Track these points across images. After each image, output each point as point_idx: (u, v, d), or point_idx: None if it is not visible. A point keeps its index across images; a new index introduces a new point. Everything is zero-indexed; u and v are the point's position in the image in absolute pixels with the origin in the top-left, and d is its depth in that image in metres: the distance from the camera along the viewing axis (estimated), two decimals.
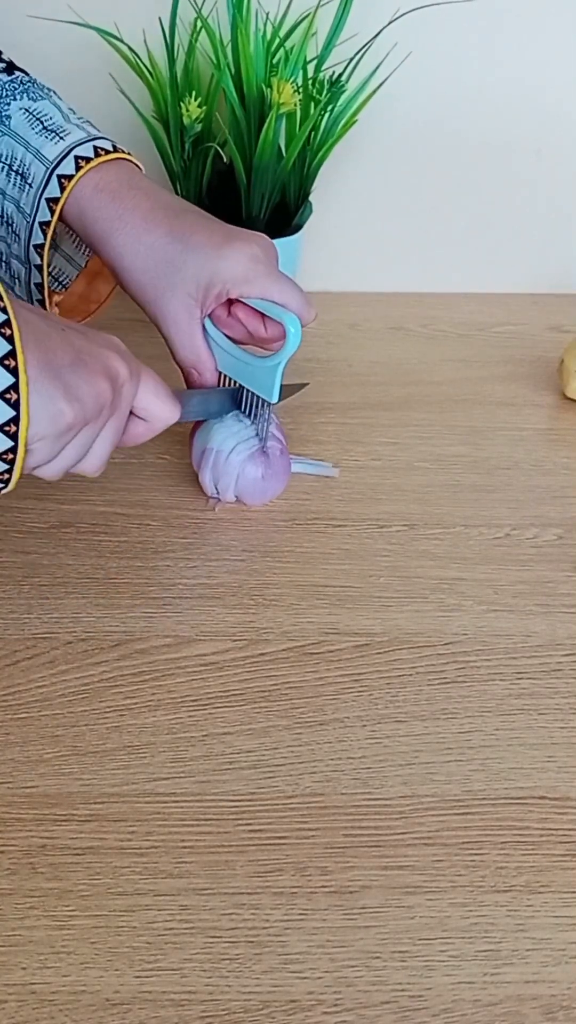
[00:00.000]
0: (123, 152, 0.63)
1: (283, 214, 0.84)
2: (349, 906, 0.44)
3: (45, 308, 0.65)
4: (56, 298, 0.68)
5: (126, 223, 0.61)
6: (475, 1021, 0.40)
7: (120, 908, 0.43)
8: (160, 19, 0.78)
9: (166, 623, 0.58)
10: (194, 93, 0.77)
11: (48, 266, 0.63)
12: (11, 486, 0.51)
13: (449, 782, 0.49)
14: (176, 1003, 0.40)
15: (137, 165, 0.64)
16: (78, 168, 0.60)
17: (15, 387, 0.47)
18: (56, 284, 0.68)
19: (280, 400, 0.64)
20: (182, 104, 0.76)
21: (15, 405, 0.48)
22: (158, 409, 0.57)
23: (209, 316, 0.63)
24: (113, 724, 0.51)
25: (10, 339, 0.47)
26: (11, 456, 0.49)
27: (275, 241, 0.82)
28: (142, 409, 0.56)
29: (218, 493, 0.66)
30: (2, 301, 0.48)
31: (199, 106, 0.77)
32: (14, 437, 0.48)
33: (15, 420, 0.48)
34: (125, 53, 0.79)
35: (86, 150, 0.61)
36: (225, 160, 0.83)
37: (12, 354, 0.47)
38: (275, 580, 0.61)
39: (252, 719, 0.52)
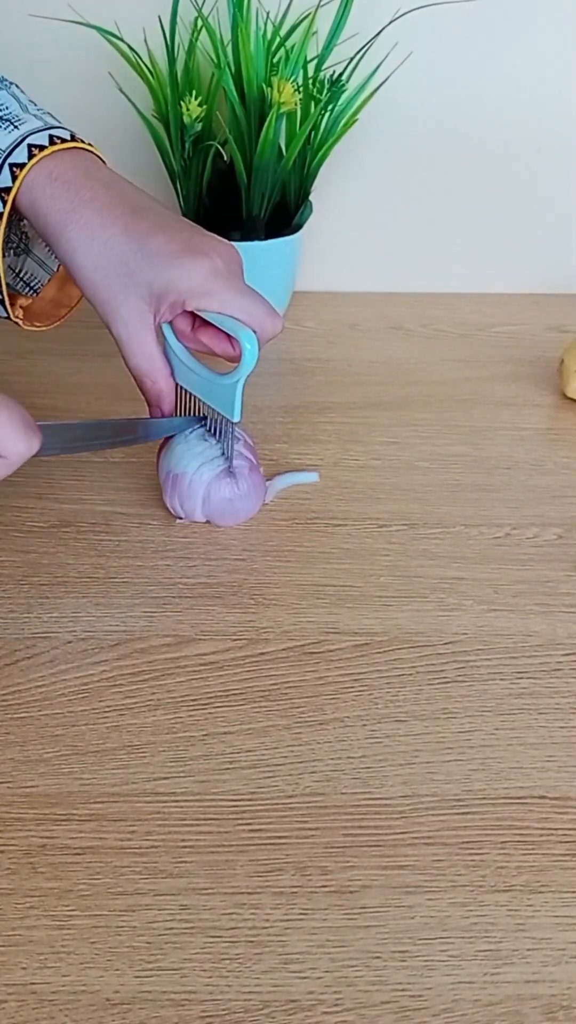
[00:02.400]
0: (82, 142, 0.60)
1: (283, 214, 0.84)
2: (349, 906, 0.44)
3: (6, 309, 0.62)
4: (24, 301, 0.66)
5: (80, 216, 0.58)
6: (475, 1021, 0.40)
7: (120, 908, 0.43)
8: (160, 18, 0.78)
9: (166, 623, 0.57)
10: (194, 92, 0.77)
11: (12, 268, 0.60)
12: None
13: (449, 782, 0.49)
14: (176, 1003, 0.40)
15: (100, 156, 0.61)
16: (31, 156, 0.57)
17: None
18: (28, 289, 0.66)
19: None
20: (182, 103, 0.77)
21: None
22: (12, 444, 0.51)
23: (171, 325, 0.61)
24: (113, 724, 0.51)
25: None
26: None
27: (275, 241, 0.83)
28: None
29: (184, 515, 0.64)
30: None
31: (199, 105, 0.77)
32: None
33: None
34: (125, 52, 0.79)
35: (40, 138, 0.58)
36: (225, 159, 0.83)
37: None
38: (275, 580, 0.61)
39: (252, 719, 0.52)
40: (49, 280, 0.67)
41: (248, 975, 0.41)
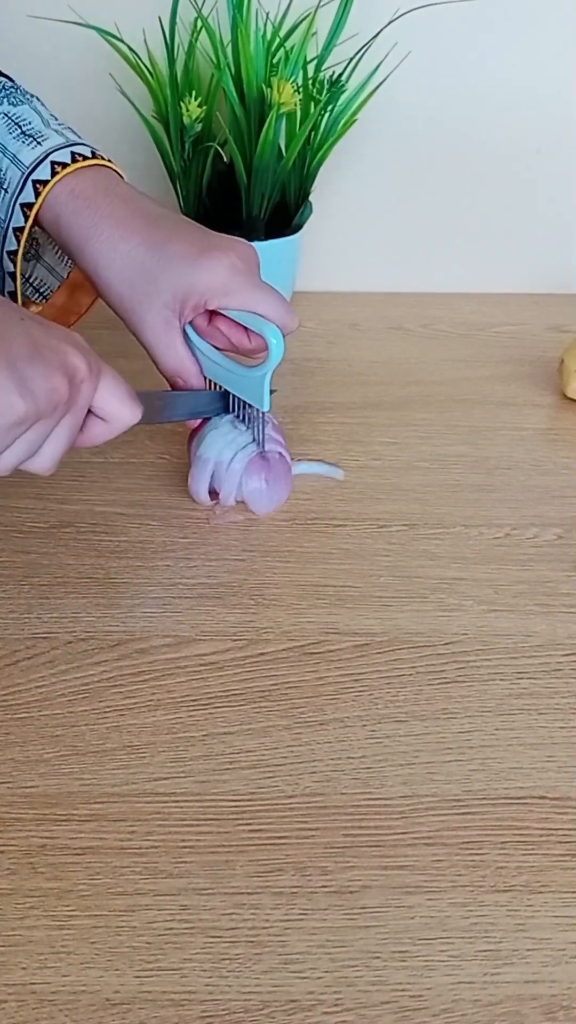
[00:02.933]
0: (103, 159, 0.62)
1: (283, 214, 0.84)
2: (349, 906, 0.44)
3: None
4: (35, 308, 0.67)
5: (101, 230, 0.60)
6: (475, 1021, 0.40)
7: (120, 908, 0.43)
8: (160, 19, 0.78)
9: (166, 623, 0.58)
10: (194, 93, 0.77)
11: (22, 273, 0.62)
12: None
13: (449, 782, 0.49)
14: (176, 1003, 0.40)
15: (118, 172, 0.63)
16: (54, 174, 0.59)
17: None
18: (37, 295, 0.67)
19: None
20: (182, 104, 0.77)
21: None
22: (116, 409, 0.54)
23: (192, 325, 0.63)
24: (113, 724, 0.51)
25: None
26: None
27: (275, 241, 0.83)
28: (100, 408, 0.54)
29: (219, 502, 0.65)
30: None
31: (199, 106, 0.77)
32: None
33: None
34: (125, 53, 0.79)
35: (63, 155, 0.60)
36: (225, 160, 0.83)
37: None
38: (275, 580, 0.61)
39: (252, 719, 0.52)
40: (59, 287, 0.68)
41: (248, 975, 0.41)
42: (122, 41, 0.79)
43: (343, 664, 0.55)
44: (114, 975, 0.41)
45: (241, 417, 0.65)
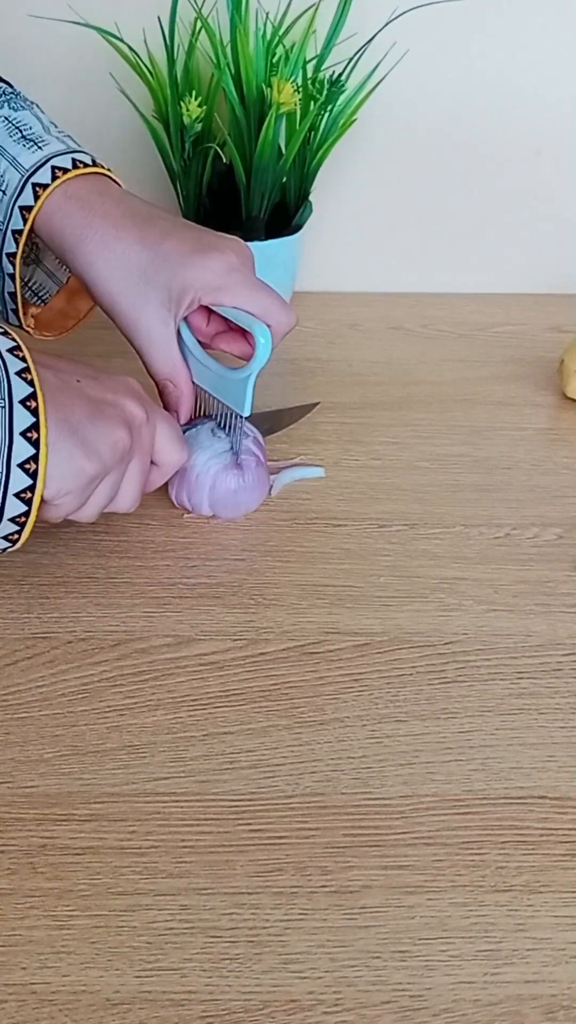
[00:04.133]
0: (102, 167, 0.62)
1: (283, 214, 0.84)
2: (349, 906, 0.44)
3: (19, 318, 0.64)
4: (34, 310, 0.67)
5: (95, 231, 0.59)
6: (475, 1021, 0.40)
7: (120, 908, 0.43)
8: (159, 19, 0.78)
9: (166, 623, 0.58)
10: (194, 93, 0.77)
11: (20, 275, 0.62)
12: (19, 544, 0.53)
13: (449, 782, 0.49)
14: (176, 1003, 0.40)
15: (116, 181, 0.63)
16: (54, 178, 0.59)
17: (35, 458, 0.49)
18: (36, 299, 0.67)
19: (263, 418, 0.63)
20: (182, 104, 0.77)
21: (33, 475, 0.49)
22: (169, 454, 0.58)
23: (187, 324, 0.62)
24: (113, 724, 0.51)
25: (35, 411, 0.49)
26: (24, 519, 0.51)
27: (275, 241, 0.83)
28: (155, 453, 0.58)
29: (191, 508, 0.65)
30: (29, 374, 0.49)
31: (199, 106, 0.77)
32: (28, 503, 0.50)
33: (31, 488, 0.50)
34: (125, 53, 0.79)
35: (64, 161, 0.60)
36: (225, 160, 0.83)
37: (35, 427, 0.49)
38: (275, 580, 0.61)
39: (252, 719, 0.52)
40: (57, 291, 0.68)
41: (248, 975, 0.41)
42: (122, 41, 0.79)
43: (343, 664, 0.55)
44: (114, 975, 0.41)
45: (222, 426, 0.64)
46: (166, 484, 0.64)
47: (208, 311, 0.62)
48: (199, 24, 0.78)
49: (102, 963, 0.41)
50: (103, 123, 0.87)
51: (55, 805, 0.47)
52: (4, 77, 0.66)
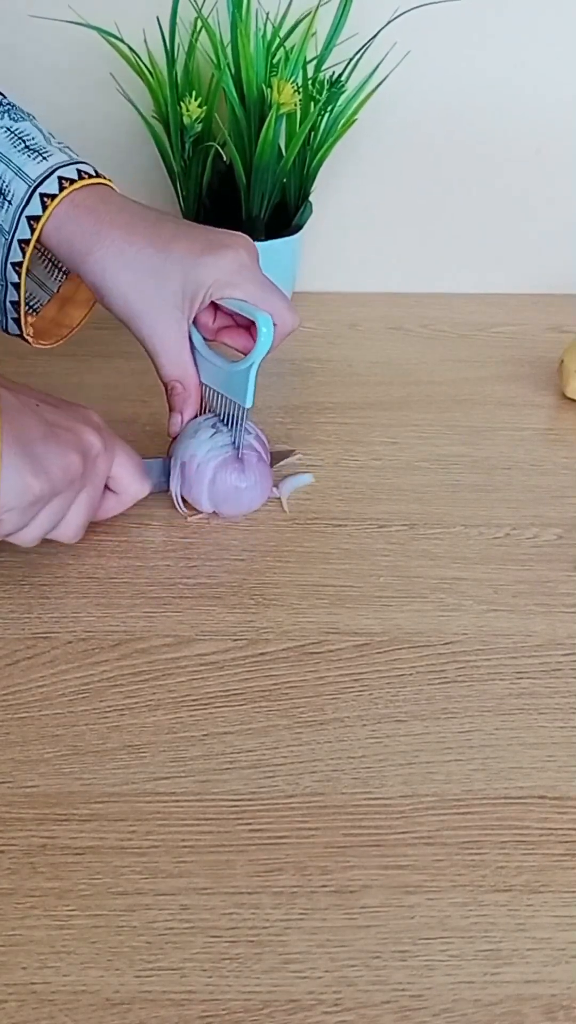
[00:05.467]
0: (104, 178, 0.63)
1: (283, 214, 0.84)
2: (349, 906, 0.44)
3: (20, 327, 0.64)
4: (30, 318, 0.67)
5: (105, 237, 0.60)
6: (475, 1021, 0.40)
7: (120, 908, 0.43)
8: (158, 19, 0.78)
9: (166, 623, 0.58)
10: (194, 93, 0.77)
11: (25, 283, 0.62)
12: None
13: (449, 781, 0.49)
14: (176, 1003, 0.40)
15: (115, 190, 0.63)
16: (61, 188, 0.60)
17: None
18: (27, 308, 0.67)
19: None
20: (182, 104, 0.77)
21: None
22: (128, 484, 0.59)
23: (195, 323, 0.63)
24: (113, 724, 0.51)
25: None
26: None
27: (275, 241, 0.83)
28: (112, 481, 0.58)
29: (191, 501, 0.64)
30: None
31: (199, 106, 0.77)
32: None
33: None
34: (125, 53, 0.79)
35: (70, 172, 0.61)
36: (225, 160, 0.83)
37: None
38: (275, 580, 0.61)
39: (252, 719, 0.52)
40: (48, 300, 0.68)
41: (248, 975, 0.41)
42: (122, 41, 0.79)
43: (343, 664, 0.55)
44: (114, 975, 0.41)
45: (224, 421, 0.65)
46: (166, 485, 0.64)
47: (214, 307, 0.63)
48: (199, 24, 0.78)
49: (102, 963, 0.41)
50: (103, 123, 0.87)
51: (55, 805, 0.47)
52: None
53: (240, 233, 0.63)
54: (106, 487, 0.58)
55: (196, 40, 0.79)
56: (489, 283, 0.97)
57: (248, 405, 0.62)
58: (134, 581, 0.60)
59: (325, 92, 0.76)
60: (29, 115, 0.64)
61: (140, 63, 0.80)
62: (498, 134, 0.90)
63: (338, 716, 0.52)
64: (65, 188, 0.60)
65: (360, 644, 0.57)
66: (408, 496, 0.69)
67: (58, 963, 0.41)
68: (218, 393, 0.64)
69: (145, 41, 0.80)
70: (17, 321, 0.64)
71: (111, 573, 0.61)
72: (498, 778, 0.49)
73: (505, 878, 0.45)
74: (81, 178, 0.61)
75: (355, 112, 0.81)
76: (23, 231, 0.60)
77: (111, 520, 0.64)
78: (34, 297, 0.68)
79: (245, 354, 0.63)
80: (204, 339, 0.64)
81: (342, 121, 0.81)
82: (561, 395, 0.81)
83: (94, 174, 0.62)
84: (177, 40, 0.78)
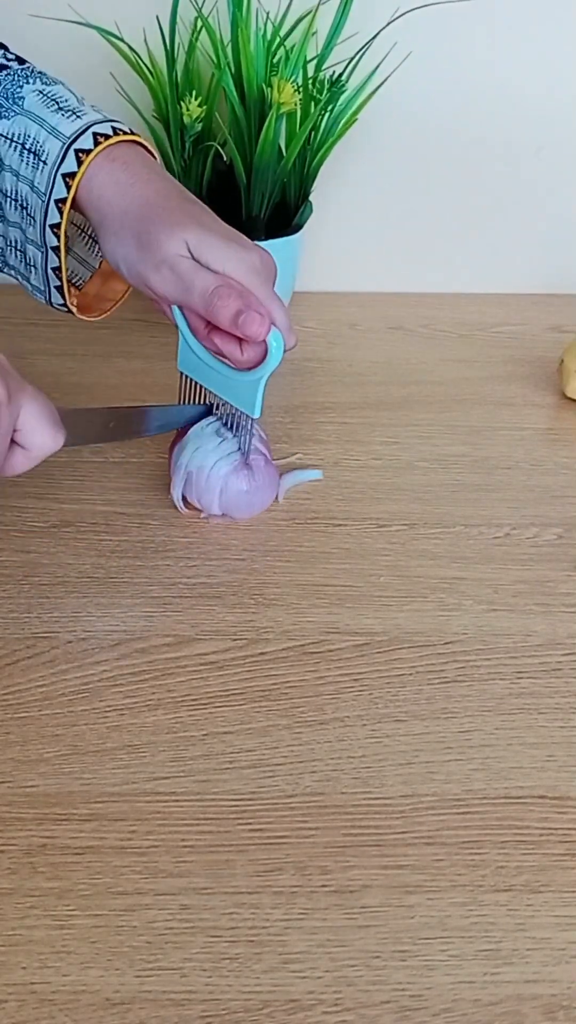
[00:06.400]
0: (139, 136, 0.62)
1: (283, 214, 0.84)
2: (349, 905, 0.44)
3: (63, 295, 0.63)
4: (74, 291, 0.67)
5: (136, 188, 0.59)
6: (475, 1021, 0.40)
7: (120, 908, 0.43)
8: (158, 18, 0.78)
9: (166, 622, 0.58)
10: (194, 92, 0.77)
11: (65, 246, 0.62)
12: None
13: (449, 781, 0.49)
14: (176, 1003, 0.40)
15: (151, 151, 0.63)
16: (96, 144, 0.59)
17: None
18: (70, 284, 0.68)
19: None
20: (182, 103, 0.76)
21: None
22: (38, 436, 0.50)
23: (185, 319, 0.62)
24: (113, 723, 0.51)
25: None
26: None
27: (275, 241, 0.83)
28: (19, 434, 0.50)
29: (202, 508, 0.65)
30: None
31: (199, 106, 0.77)
32: None
33: None
34: (125, 52, 0.79)
35: (104, 128, 0.60)
36: (225, 160, 0.83)
37: None
38: (275, 580, 0.61)
39: (252, 718, 0.52)
40: (91, 276, 0.68)
41: (248, 975, 0.41)
42: (122, 41, 0.79)
43: (343, 664, 0.55)
44: (114, 975, 0.41)
45: (228, 424, 0.65)
46: (166, 485, 0.63)
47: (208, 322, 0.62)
48: (199, 23, 0.78)
49: (102, 963, 0.41)
50: None
51: (55, 805, 0.47)
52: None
53: (265, 249, 0.62)
54: (13, 440, 0.50)
55: (196, 39, 0.79)
56: (489, 283, 0.97)
57: (256, 415, 0.62)
58: (134, 581, 0.60)
59: (326, 92, 0.76)
60: (60, 81, 0.65)
61: (140, 63, 0.80)
62: (498, 134, 0.90)
63: (338, 716, 0.52)
64: (100, 143, 0.60)
65: (360, 644, 0.57)
66: (408, 496, 0.69)
67: (58, 963, 0.41)
68: (221, 400, 0.64)
69: (145, 41, 0.80)
70: (60, 289, 0.63)
71: (111, 573, 0.61)
72: (498, 778, 0.49)
73: (505, 878, 0.45)
74: (116, 134, 0.60)
75: (356, 112, 0.81)
76: (59, 190, 0.60)
77: (111, 520, 0.64)
78: (76, 275, 0.67)
79: (228, 359, 0.62)
80: (203, 345, 0.63)
81: (343, 121, 0.81)
82: (561, 395, 0.81)
83: (128, 131, 0.61)
84: (177, 39, 0.78)
